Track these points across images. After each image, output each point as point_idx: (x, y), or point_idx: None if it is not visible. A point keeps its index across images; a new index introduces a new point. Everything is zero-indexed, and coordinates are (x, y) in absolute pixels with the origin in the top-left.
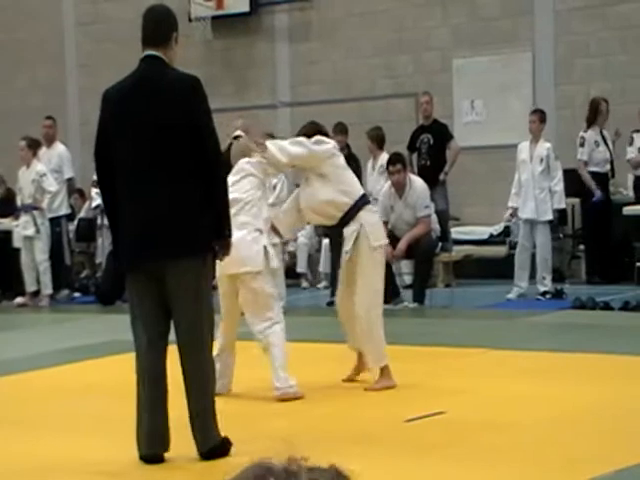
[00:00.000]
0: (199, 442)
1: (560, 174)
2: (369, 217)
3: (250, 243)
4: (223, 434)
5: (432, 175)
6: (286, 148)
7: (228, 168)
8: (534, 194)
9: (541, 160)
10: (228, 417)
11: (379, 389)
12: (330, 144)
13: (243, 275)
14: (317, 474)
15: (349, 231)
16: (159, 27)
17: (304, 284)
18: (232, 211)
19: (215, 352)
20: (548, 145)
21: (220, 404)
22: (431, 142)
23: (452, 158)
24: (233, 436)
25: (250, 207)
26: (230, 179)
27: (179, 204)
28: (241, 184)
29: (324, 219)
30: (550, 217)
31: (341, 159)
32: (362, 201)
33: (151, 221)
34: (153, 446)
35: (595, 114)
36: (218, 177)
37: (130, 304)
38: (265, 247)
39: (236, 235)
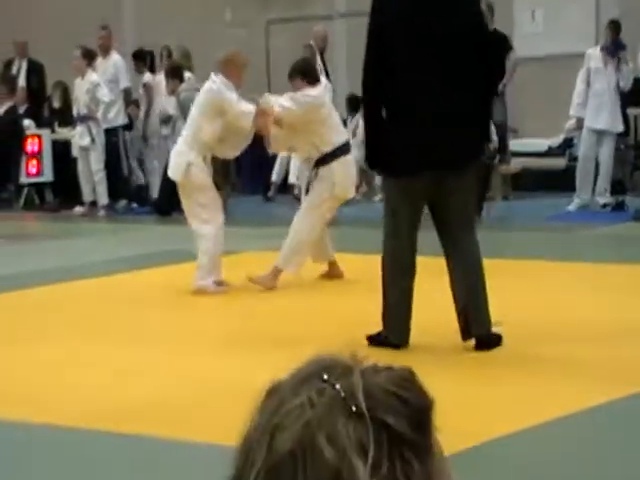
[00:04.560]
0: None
1: (631, 78)
2: (340, 168)
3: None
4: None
5: None
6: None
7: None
8: (610, 104)
9: (617, 67)
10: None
11: (259, 283)
12: (312, 97)
13: None
14: (376, 377)
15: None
16: None
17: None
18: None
19: None
20: (622, 52)
21: None
22: None
23: (511, 69)
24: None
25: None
26: None
27: (465, 112)
28: None
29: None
30: (622, 129)
31: (323, 110)
32: (340, 150)
33: (440, 129)
34: (402, 336)
35: None
36: (495, 86)
37: (393, 206)
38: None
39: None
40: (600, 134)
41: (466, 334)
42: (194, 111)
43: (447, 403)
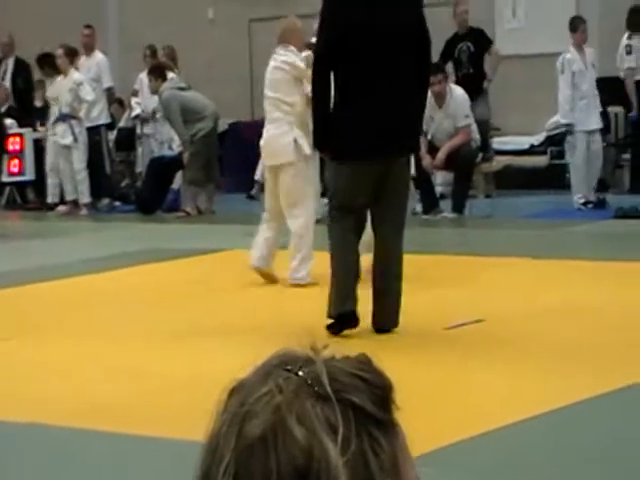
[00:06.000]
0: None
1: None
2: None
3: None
4: None
5: (475, 84)
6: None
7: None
8: (595, 103)
9: (593, 66)
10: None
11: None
12: None
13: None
14: (337, 363)
15: None
16: None
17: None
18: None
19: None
20: (592, 50)
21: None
22: (472, 49)
23: (495, 64)
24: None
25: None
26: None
27: (410, 103)
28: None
29: None
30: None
31: None
32: None
33: (392, 118)
34: (350, 305)
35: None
36: (429, 79)
37: (338, 193)
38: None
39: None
40: (591, 133)
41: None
42: (273, 92)
43: (425, 397)
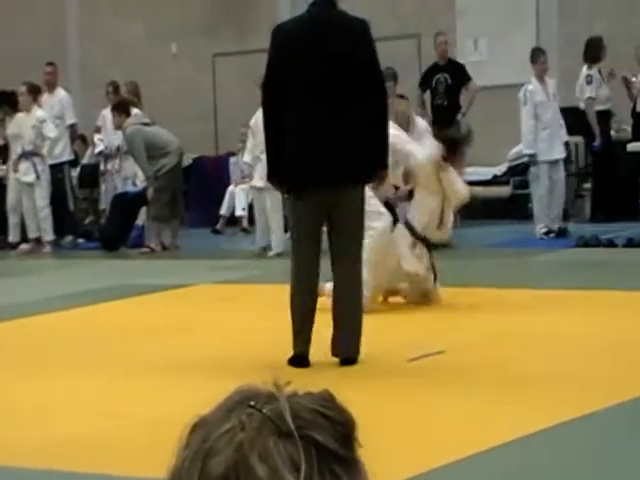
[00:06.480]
0: (337, 349)
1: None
2: None
3: None
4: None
5: (448, 115)
6: None
7: None
8: (559, 133)
9: (555, 97)
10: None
11: None
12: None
13: None
14: (300, 399)
15: None
16: None
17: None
18: None
19: None
20: (553, 80)
21: None
22: (449, 81)
23: (471, 99)
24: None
25: None
26: None
27: (357, 132)
28: None
29: None
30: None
31: None
32: None
33: (334, 147)
34: (302, 346)
35: (600, 52)
36: (385, 108)
37: (295, 223)
38: None
39: None
40: (554, 162)
41: (333, 350)
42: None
43: (388, 429)
